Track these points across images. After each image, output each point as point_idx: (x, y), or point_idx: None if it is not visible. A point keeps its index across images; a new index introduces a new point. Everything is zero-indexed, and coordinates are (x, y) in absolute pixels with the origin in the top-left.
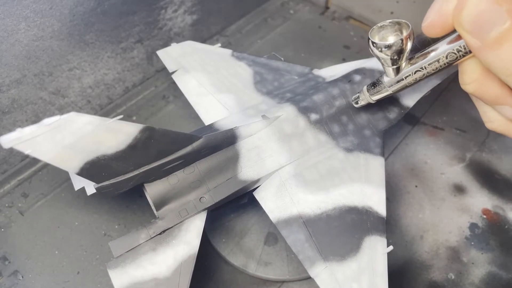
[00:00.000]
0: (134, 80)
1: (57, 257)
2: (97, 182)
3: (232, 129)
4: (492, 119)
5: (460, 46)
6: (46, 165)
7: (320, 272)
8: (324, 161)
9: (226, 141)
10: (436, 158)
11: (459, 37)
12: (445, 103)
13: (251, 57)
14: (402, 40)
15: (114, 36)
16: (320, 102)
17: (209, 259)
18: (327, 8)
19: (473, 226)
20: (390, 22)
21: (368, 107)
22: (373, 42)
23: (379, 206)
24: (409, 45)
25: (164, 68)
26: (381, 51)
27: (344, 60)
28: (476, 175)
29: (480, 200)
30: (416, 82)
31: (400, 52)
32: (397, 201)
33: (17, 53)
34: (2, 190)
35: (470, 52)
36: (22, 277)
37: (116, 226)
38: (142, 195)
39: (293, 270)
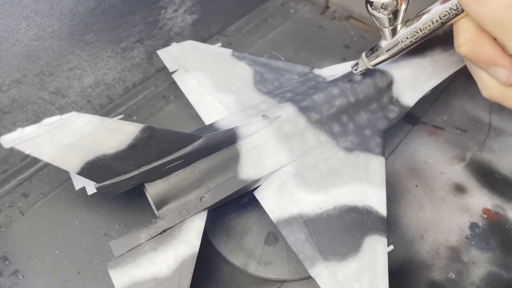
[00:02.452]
0: (134, 79)
1: (57, 256)
2: (97, 182)
3: (232, 128)
4: (488, 85)
5: (452, 5)
6: (47, 165)
7: (321, 271)
8: (324, 161)
9: (227, 140)
10: (436, 158)
11: None
12: (446, 102)
13: (252, 56)
14: (397, 0)
15: (114, 35)
16: (321, 102)
17: (210, 258)
18: (327, 7)
19: (473, 226)
20: None
21: (368, 107)
22: (369, 2)
23: (380, 205)
24: (403, 5)
25: (164, 68)
26: (377, 11)
27: (344, 59)
28: (476, 174)
29: (481, 200)
30: (413, 44)
31: (395, 12)
32: (397, 200)
33: (18, 53)
34: (3, 189)
35: (463, 10)
36: (23, 276)
37: (117, 226)
38: (142, 195)
39: (294, 269)
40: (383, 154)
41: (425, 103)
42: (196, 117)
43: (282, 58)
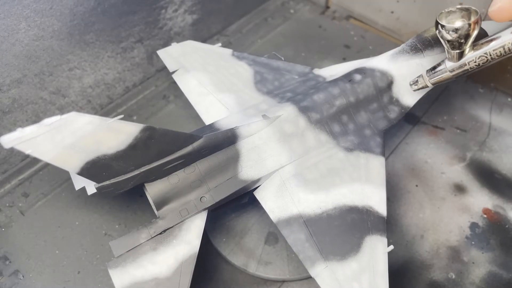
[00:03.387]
0: (134, 79)
1: (57, 256)
2: (97, 182)
3: (232, 128)
4: None
5: None
6: (47, 165)
7: (321, 271)
8: (324, 161)
9: (227, 140)
10: (436, 158)
11: None
12: (446, 102)
13: (252, 56)
14: (469, 24)
15: (114, 35)
16: (321, 102)
17: (210, 258)
18: (327, 7)
19: (473, 226)
20: (458, 8)
21: (368, 107)
22: (441, 25)
23: (380, 205)
24: (476, 31)
25: (164, 68)
26: (448, 33)
27: (344, 59)
28: (476, 174)
29: (481, 200)
30: (478, 68)
31: (466, 36)
32: (397, 200)
33: (18, 53)
34: (3, 189)
35: None
36: (23, 276)
37: (117, 226)
38: (142, 195)
39: (294, 269)
40: (383, 154)
41: (425, 103)
42: (196, 117)
43: (282, 58)
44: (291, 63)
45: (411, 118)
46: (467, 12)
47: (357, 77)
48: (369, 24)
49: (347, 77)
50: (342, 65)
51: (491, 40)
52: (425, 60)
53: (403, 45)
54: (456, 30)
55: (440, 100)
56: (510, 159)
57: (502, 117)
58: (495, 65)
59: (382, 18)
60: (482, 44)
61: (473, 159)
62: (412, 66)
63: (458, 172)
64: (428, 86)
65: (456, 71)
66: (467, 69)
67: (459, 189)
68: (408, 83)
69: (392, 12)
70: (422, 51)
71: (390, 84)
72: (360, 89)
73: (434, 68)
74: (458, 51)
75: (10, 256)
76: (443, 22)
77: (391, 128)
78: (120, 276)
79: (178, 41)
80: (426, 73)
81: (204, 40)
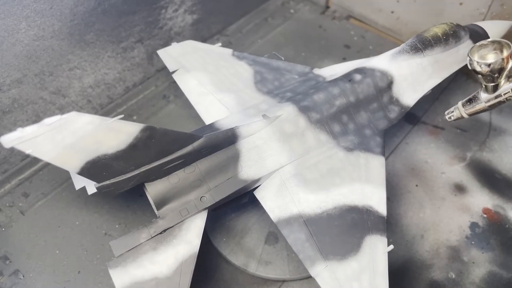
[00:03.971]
0: (134, 79)
1: (57, 256)
2: (98, 182)
3: (232, 128)
4: None
5: None
6: (47, 164)
7: (321, 271)
8: (324, 161)
9: (227, 140)
10: (436, 158)
11: None
12: (446, 102)
13: (252, 56)
14: (503, 59)
15: (114, 35)
16: (321, 102)
17: (210, 258)
18: (327, 7)
19: (473, 226)
20: (489, 41)
21: (368, 106)
22: (473, 60)
23: (380, 205)
24: (510, 64)
25: (164, 68)
26: (481, 67)
27: (344, 59)
28: (476, 174)
29: (481, 200)
30: None
31: (500, 70)
32: (397, 200)
33: (18, 52)
34: (3, 189)
35: None
36: (23, 276)
37: (117, 226)
38: (142, 195)
39: (294, 269)
40: (383, 154)
41: (425, 102)
42: (196, 117)
43: (282, 58)
44: (291, 63)
45: (411, 117)
46: (499, 45)
47: (357, 77)
48: (369, 24)
49: (347, 77)
50: (342, 65)
51: None
52: (425, 60)
53: (403, 45)
54: (489, 65)
55: (440, 99)
56: (511, 159)
57: (502, 117)
58: None
59: (382, 18)
60: None
61: (473, 159)
62: (412, 66)
63: (458, 172)
64: (464, 117)
65: (492, 102)
66: (503, 100)
67: (459, 189)
68: (408, 83)
69: (392, 12)
70: (422, 51)
71: (390, 84)
72: (360, 89)
73: (469, 100)
74: (492, 84)
75: (10, 256)
76: (475, 58)
77: (391, 128)
78: (120, 275)
79: (178, 41)
80: (461, 104)
81: (204, 40)
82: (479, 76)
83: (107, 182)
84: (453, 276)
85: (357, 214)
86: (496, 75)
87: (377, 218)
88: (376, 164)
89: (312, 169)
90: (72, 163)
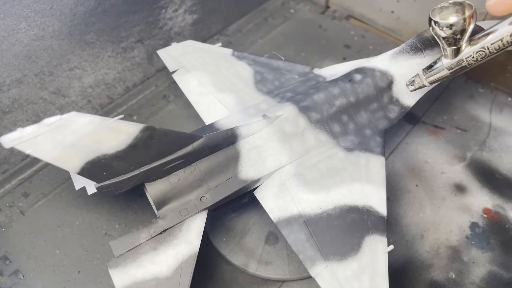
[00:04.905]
0: (134, 79)
1: (57, 256)
2: (97, 182)
3: (232, 128)
4: None
5: None
6: (47, 164)
7: (321, 271)
8: (324, 161)
9: (227, 140)
10: (436, 157)
11: None
12: (446, 102)
13: (252, 56)
14: (464, 19)
15: (114, 35)
16: (321, 102)
17: (210, 258)
18: (327, 7)
19: (473, 226)
20: (451, 3)
21: (369, 106)
22: (434, 21)
23: (380, 205)
24: (471, 25)
25: (164, 68)
26: (442, 30)
27: (344, 59)
28: (476, 174)
29: (481, 200)
30: (476, 63)
31: (462, 32)
32: (397, 200)
33: (18, 52)
34: (3, 189)
35: None
36: (23, 276)
37: (117, 226)
38: (142, 195)
39: (294, 269)
40: (383, 153)
41: (425, 102)
42: (196, 117)
43: (283, 58)
44: (291, 63)
45: (411, 117)
46: (461, 6)
47: (357, 77)
48: (369, 24)
49: (347, 77)
50: (342, 65)
51: (488, 34)
52: (425, 60)
53: (403, 45)
54: (451, 26)
55: (440, 99)
56: (511, 159)
57: (502, 117)
58: (495, 65)
59: (382, 18)
60: (479, 38)
61: (473, 159)
62: (412, 66)
63: (458, 172)
64: (425, 86)
65: (454, 68)
66: (465, 65)
67: (459, 189)
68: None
69: (392, 12)
70: (422, 51)
71: (390, 84)
72: (360, 89)
73: (430, 66)
74: (454, 47)
75: (10, 256)
76: (436, 19)
77: (391, 127)
78: (121, 275)
79: (178, 41)
80: (423, 72)
81: (204, 40)
82: (441, 39)
83: (107, 182)
84: (453, 276)
85: (357, 214)
86: (458, 37)
87: (377, 218)
88: (376, 164)
89: (312, 169)
90: (72, 163)
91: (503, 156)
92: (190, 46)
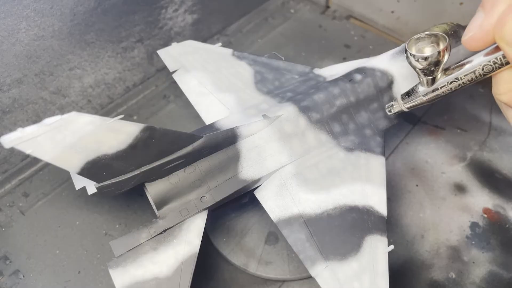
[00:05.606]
0: (134, 79)
1: (58, 256)
2: (98, 182)
3: (232, 128)
4: None
5: (496, 59)
6: (47, 164)
7: (321, 271)
8: (324, 161)
9: (227, 140)
10: (436, 158)
11: (495, 50)
12: (446, 102)
13: (252, 56)
14: (439, 52)
15: (114, 35)
16: (321, 102)
17: (210, 258)
18: (327, 7)
19: (474, 225)
20: (426, 34)
21: (369, 106)
22: (410, 53)
23: (380, 205)
24: (445, 57)
25: (164, 68)
26: (418, 61)
27: (344, 59)
28: (477, 174)
29: (481, 199)
30: (451, 92)
31: (436, 63)
32: (397, 200)
33: (18, 52)
34: (3, 189)
35: (507, 63)
36: (23, 276)
37: (117, 226)
38: (143, 195)
39: (294, 269)
40: (383, 153)
41: None
42: (197, 116)
43: (283, 58)
44: (291, 62)
45: (411, 118)
46: (436, 38)
47: (358, 77)
48: (370, 23)
49: (348, 77)
50: (343, 65)
51: (463, 65)
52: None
53: (403, 45)
54: (426, 58)
55: (441, 99)
56: (511, 159)
57: (503, 117)
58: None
59: (383, 18)
60: (453, 68)
61: (473, 159)
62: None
63: (458, 172)
64: (404, 111)
65: (429, 96)
66: (440, 94)
67: (460, 188)
68: (408, 83)
69: (392, 12)
70: None
71: (390, 83)
72: (361, 89)
73: (408, 93)
74: (429, 77)
75: (11, 256)
76: (412, 51)
77: (392, 127)
78: (121, 275)
79: (178, 41)
80: (401, 97)
81: (204, 40)
82: (416, 69)
83: (107, 182)
84: (454, 276)
85: (358, 214)
86: (433, 69)
87: (378, 218)
88: (376, 164)
89: (312, 169)
90: (72, 163)
91: (503, 156)
92: (190, 46)
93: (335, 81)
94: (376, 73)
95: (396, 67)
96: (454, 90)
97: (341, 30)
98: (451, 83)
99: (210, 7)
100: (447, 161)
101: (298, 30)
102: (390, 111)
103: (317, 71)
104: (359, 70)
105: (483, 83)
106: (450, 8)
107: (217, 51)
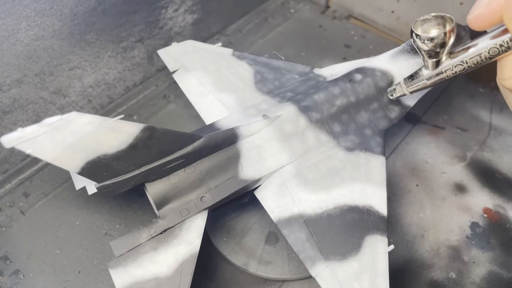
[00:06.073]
0: (134, 79)
1: (58, 256)
2: (98, 182)
3: (233, 128)
4: None
5: (503, 42)
6: (47, 164)
7: (321, 271)
8: (324, 161)
9: (227, 140)
10: (437, 157)
11: (502, 33)
12: (446, 102)
13: (252, 56)
14: (445, 33)
15: (114, 35)
16: (321, 102)
17: (210, 258)
18: (327, 7)
19: (474, 225)
20: (433, 16)
21: (369, 106)
22: (416, 34)
23: (380, 205)
24: (451, 39)
25: (164, 68)
26: (423, 43)
27: (344, 59)
28: (477, 174)
29: (481, 199)
30: (455, 75)
31: (442, 45)
32: (398, 200)
33: (18, 52)
34: (3, 189)
35: None
36: (23, 276)
37: (117, 226)
38: (143, 195)
39: (294, 269)
40: (383, 153)
41: (425, 102)
42: (197, 116)
43: (283, 58)
44: (292, 62)
45: (411, 117)
46: (442, 20)
47: (358, 76)
48: (370, 23)
49: (348, 76)
50: (343, 65)
51: (468, 48)
52: None
53: (403, 45)
54: (431, 39)
55: (441, 99)
56: (511, 159)
57: (503, 116)
58: (496, 64)
59: (383, 18)
60: (458, 52)
61: (473, 159)
62: (412, 66)
63: (458, 172)
64: (406, 94)
65: (433, 80)
66: (444, 77)
67: (460, 188)
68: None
69: (392, 12)
70: None
71: (390, 83)
72: (361, 89)
73: (411, 76)
74: (434, 59)
75: (11, 256)
76: (418, 32)
77: (392, 127)
78: (121, 275)
79: (178, 41)
80: (404, 81)
81: (204, 40)
82: (421, 51)
83: (108, 182)
84: (454, 275)
85: (358, 214)
86: (438, 50)
87: (378, 218)
88: (376, 164)
89: (312, 169)
90: (72, 163)
91: (503, 156)
92: (190, 46)
93: (335, 81)
94: (376, 73)
95: (396, 67)
96: (459, 73)
97: (341, 30)
98: (456, 66)
99: (210, 7)
100: (447, 161)
101: (298, 30)
102: (392, 95)
103: (317, 71)
104: (359, 70)
105: (483, 83)
106: (450, 8)
107: (217, 51)
